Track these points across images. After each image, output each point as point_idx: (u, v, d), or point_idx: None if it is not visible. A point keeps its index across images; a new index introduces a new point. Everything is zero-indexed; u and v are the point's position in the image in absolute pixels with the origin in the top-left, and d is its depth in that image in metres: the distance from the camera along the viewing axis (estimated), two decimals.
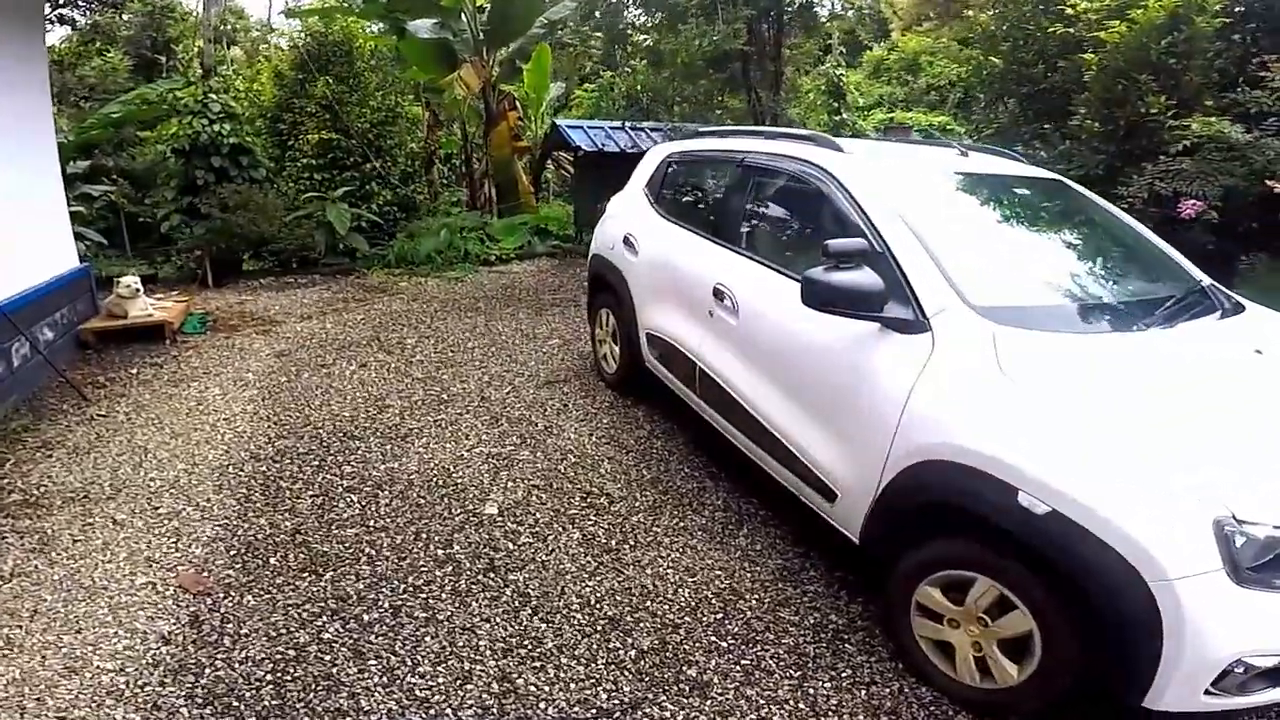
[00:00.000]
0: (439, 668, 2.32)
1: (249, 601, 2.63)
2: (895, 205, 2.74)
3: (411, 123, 10.17)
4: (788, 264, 3.07)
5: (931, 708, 2.27)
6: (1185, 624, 1.74)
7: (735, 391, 3.24)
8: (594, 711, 2.19)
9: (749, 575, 2.91)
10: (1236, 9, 5.73)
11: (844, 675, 2.40)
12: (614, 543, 3.08)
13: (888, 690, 2.34)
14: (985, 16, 8.63)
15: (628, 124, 10.06)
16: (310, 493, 3.41)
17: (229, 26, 19.46)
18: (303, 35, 9.07)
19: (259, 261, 8.34)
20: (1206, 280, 3.03)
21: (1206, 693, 1.81)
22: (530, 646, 2.44)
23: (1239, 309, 2.83)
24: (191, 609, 2.58)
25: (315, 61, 8.78)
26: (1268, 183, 4.38)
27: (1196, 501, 1.78)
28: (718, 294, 3.38)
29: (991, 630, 2.14)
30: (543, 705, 2.20)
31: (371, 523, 3.16)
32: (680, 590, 2.79)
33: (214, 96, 7.50)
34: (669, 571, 2.90)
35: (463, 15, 9.61)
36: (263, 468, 3.66)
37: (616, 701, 2.23)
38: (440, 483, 3.53)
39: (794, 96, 10.96)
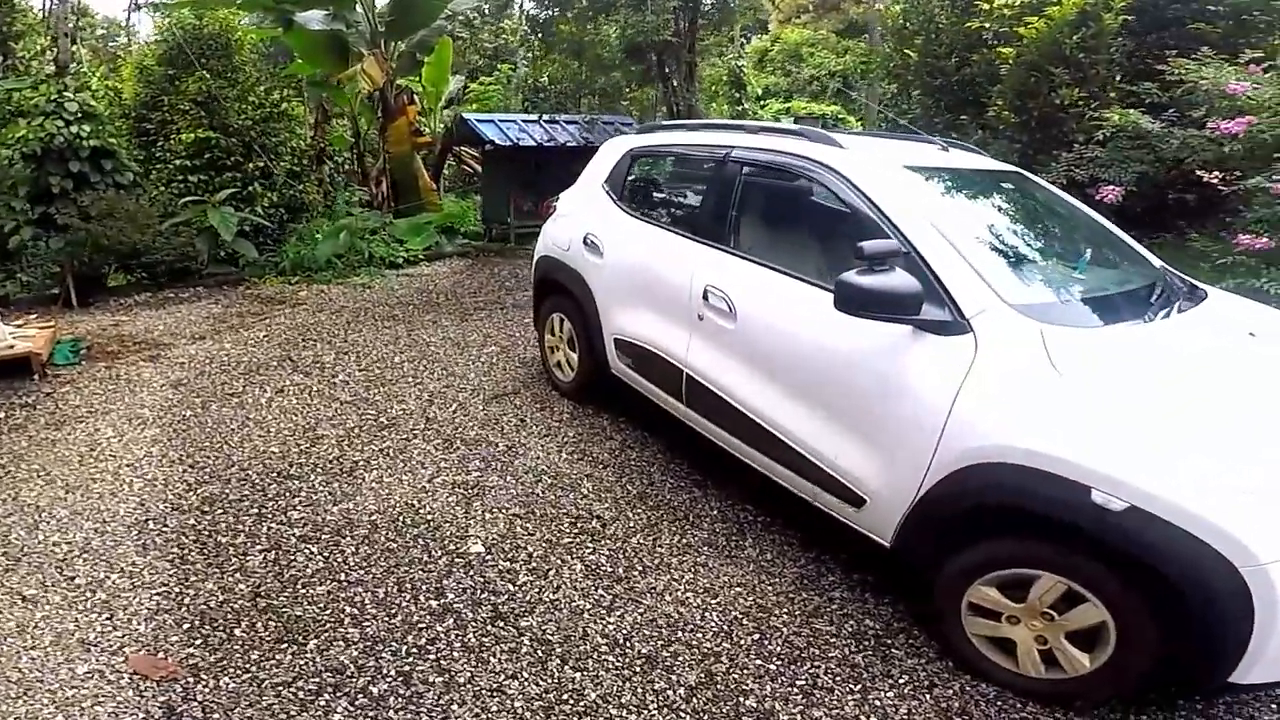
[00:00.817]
0: None
1: (228, 685, 2.25)
2: (915, 203, 2.69)
3: (297, 119, 9.45)
4: (795, 265, 2.96)
5: (999, 702, 2.26)
6: (1278, 605, 1.76)
7: (734, 398, 3.10)
8: None
9: (770, 588, 2.80)
10: (1137, 5, 6.14)
11: (903, 682, 2.34)
12: (621, 570, 2.88)
13: (950, 691, 2.31)
14: (896, 9, 8.94)
15: (543, 117, 9.75)
16: (258, 547, 3.00)
17: (74, 24, 17.69)
18: (172, 28, 8.19)
19: (128, 275, 7.48)
20: (1161, 264, 3.17)
21: None
22: (572, 701, 2.22)
23: (1203, 293, 2.96)
24: (160, 699, 2.18)
25: (188, 56, 7.97)
26: (1197, 172, 4.66)
27: (1274, 486, 1.82)
28: (707, 296, 3.22)
29: (1059, 624, 2.13)
30: None
31: (342, 576, 2.81)
32: (708, 615, 2.63)
33: (70, 96, 6.63)
34: (689, 595, 2.73)
35: (359, 6, 9.01)
36: (190, 520, 3.20)
37: None
38: (408, 522, 3.19)
39: (702, 87, 11.04)
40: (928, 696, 2.29)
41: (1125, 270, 3.00)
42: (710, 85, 13.31)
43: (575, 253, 4.27)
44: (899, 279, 2.30)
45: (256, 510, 3.28)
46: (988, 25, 6.80)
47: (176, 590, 2.71)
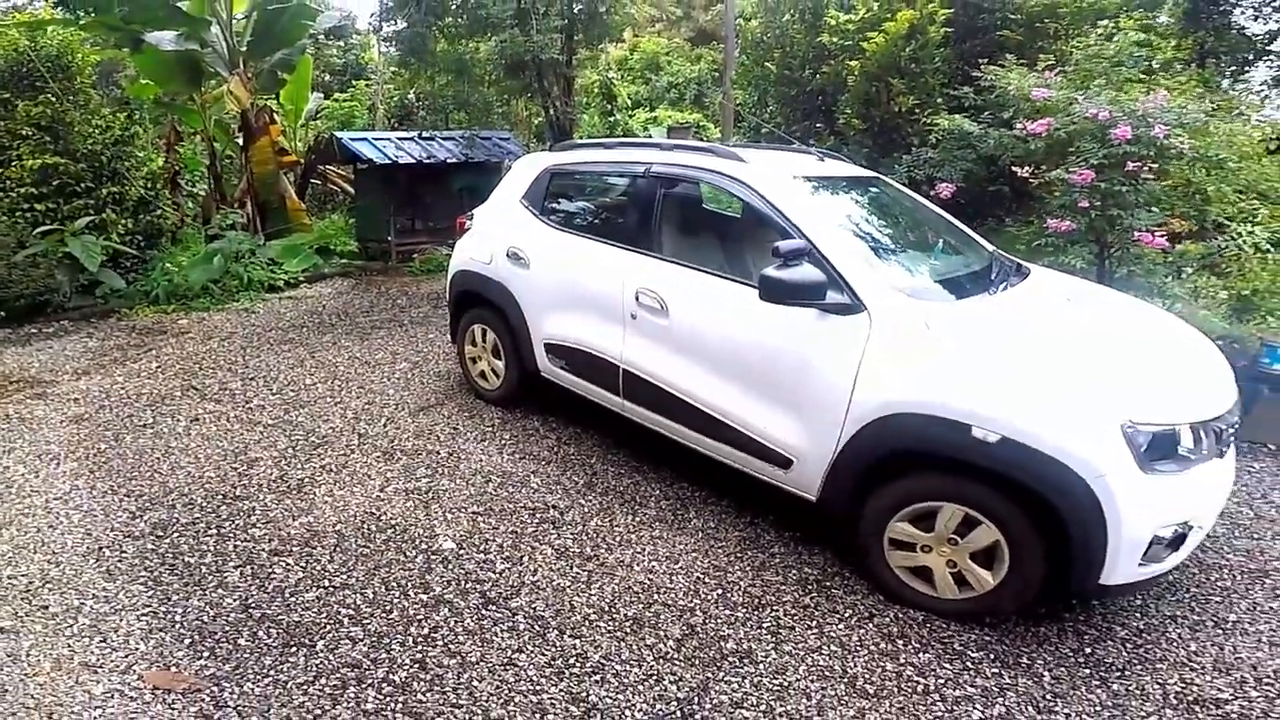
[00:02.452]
0: (509, 707, 2.37)
1: (252, 689, 2.43)
2: (810, 208, 3.26)
3: (150, 142, 9.07)
4: (715, 265, 3.48)
5: (928, 624, 2.80)
6: (1119, 508, 2.38)
7: (671, 386, 3.56)
8: (675, 703, 2.40)
9: (720, 550, 3.26)
10: (957, 20, 7.22)
11: (848, 615, 2.85)
12: (588, 550, 3.25)
13: (888, 619, 2.84)
14: (754, 24, 9.80)
15: (420, 134, 9.87)
16: (231, 563, 3.13)
17: None
18: (6, 49, 7.65)
19: None
20: (992, 248, 3.96)
21: (1140, 564, 2.48)
22: (579, 664, 2.56)
23: (1026, 270, 3.74)
24: (193, 709, 2.33)
25: (24, 79, 7.52)
26: (1012, 167, 5.62)
27: (1106, 412, 2.45)
28: (639, 298, 3.66)
29: (963, 547, 2.70)
30: (628, 713, 2.36)
31: (326, 582, 3.00)
32: (674, 578, 3.06)
33: None
34: (654, 564, 3.15)
35: (214, 26, 8.78)
36: (149, 545, 3.26)
37: (687, 689, 2.46)
38: (374, 528, 3.41)
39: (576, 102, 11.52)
40: (870, 625, 2.80)
41: (967, 255, 3.73)
42: (583, 96, 13.81)
43: (498, 265, 4.58)
44: (808, 272, 2.87)
45: (215, 530, 3.39)
46: (834, 40, 7.71)
47: (162, 610, 2.82)
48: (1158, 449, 2.45)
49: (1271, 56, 13.05)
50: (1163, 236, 4.82)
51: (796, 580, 3.07)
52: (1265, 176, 6.48)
